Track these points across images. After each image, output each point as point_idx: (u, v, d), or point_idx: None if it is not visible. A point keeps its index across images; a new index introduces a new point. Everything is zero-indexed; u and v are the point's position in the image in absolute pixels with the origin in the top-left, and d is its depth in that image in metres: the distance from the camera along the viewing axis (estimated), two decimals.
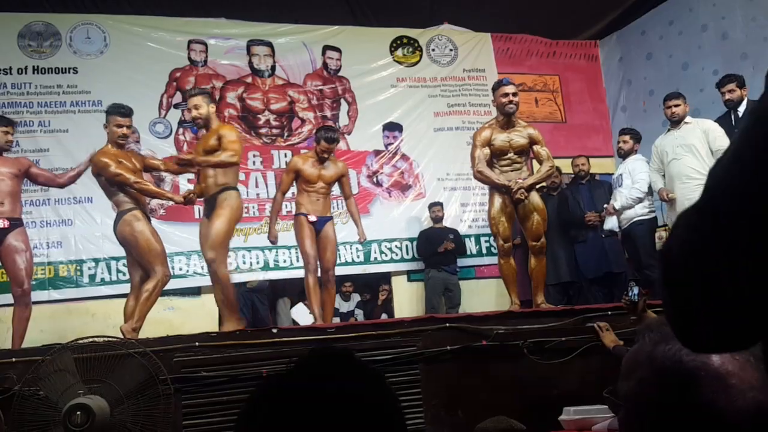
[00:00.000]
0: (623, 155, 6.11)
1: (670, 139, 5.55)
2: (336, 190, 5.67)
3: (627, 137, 6.12)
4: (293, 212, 5.64)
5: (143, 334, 4.35)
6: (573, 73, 8.86)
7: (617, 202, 5.89)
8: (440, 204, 7.32)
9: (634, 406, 0.90)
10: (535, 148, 5.21)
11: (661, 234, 7.48)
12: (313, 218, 5.25)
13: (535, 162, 5.69)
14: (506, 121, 5.15)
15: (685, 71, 7.72)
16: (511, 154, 5.16)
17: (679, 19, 7.89)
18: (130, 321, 4.46)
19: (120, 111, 4.79)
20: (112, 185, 4.68)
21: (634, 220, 5.85)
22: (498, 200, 5.19)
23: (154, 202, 6.42)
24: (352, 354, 0.84)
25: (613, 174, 6.50)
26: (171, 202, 5.82)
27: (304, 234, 5.23)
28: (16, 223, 4.77)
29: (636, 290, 3.70)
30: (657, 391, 0.87)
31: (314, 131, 5.90)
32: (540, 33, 8.69)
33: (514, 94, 5.10)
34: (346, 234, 6.65)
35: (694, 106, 6.62)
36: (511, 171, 5.18)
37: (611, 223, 6.01)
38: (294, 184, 5.39)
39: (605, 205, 5.97)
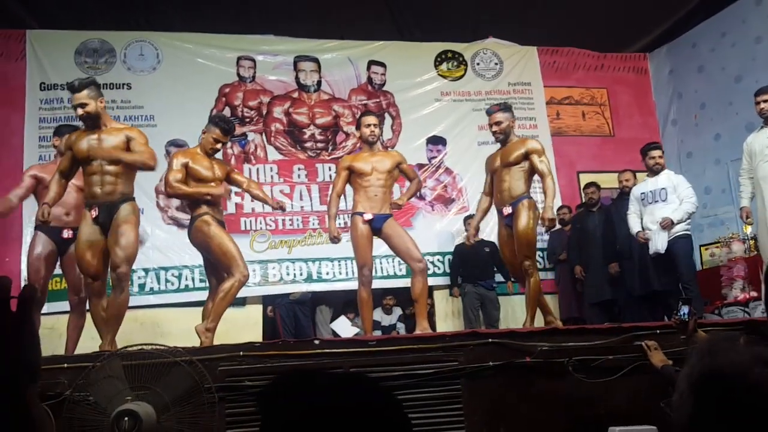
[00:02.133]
0: (658, 170, 5.83)
1: (762, 138, 5.21)
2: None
3: (660, 152, 5.89)
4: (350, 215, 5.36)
5: (190, 344, 4.42)
6: (621, 86, 8.73)
7: (673, 215, 5.59)
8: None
9: (675, 418, 0.90)
10: (533, 160, 4.98)
11: (713, 251, 7.27)
12: (368, 216, 4.94)
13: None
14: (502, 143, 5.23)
15: (737, 84, 7.51)
16: (500, 171, 5.08)
17: (732, 30, 7.70)
18: (205, 321, 4.49)
19: (225, 127, 4.73)
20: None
21: (678, 234, 5.60)
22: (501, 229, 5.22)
23: None
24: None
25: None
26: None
27: (357, 240, 4.96)
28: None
29: (686, 309, 3.59)
30: (691, 404, 0.86)
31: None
32: (588, 46, 8.59)
33: (497, 123, 5.12)
34: (386, 249, 6.66)
35: (747, 120, 6.43)
36: (500, 190, 5.07)
37: (659, 244, 5.67)
38: (350, 184, 5.18)
39: (660, 218, 5.65)
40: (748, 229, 6.62)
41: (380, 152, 5.24)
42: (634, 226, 5.88)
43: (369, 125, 5.09)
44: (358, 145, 7.77)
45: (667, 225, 5.60)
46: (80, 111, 4.30)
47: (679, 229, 5.63)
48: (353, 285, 7.07)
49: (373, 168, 5.05)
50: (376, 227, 4.99)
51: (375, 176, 5.03)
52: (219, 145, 4.74)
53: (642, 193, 5.89)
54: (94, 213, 4.33)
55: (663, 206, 5.69)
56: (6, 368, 0.71)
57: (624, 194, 6.57)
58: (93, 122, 4.36)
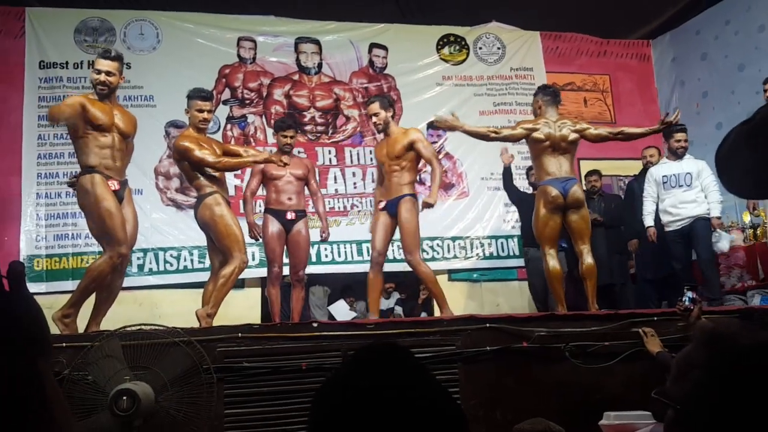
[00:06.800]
0: (682, 154, 5.76)
1: None
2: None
3: (685, 135, 5.81)
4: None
5: (188, 325, 4.43)
6: (624, 72, 8.68)
7: (714, 212, 5.58)
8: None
9: (688, 408, 0.88)
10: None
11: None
12: (381, 204, 5.06)
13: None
14: None
15: (740, 72, 7.48)
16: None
17: (736, 18, 7.65)
18: (206, 306, 4.48)
19: (201, 95, 4.70)
20: (194, 169, 4.61)
21: (699, 215, 5.60)
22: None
23: None
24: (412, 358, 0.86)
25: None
26: None
27: (373, 225, 5.20)
28: (300, 214, 5.37)
29: (690, 296, 3.60)
30: (716, 392, 0.84)
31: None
32: (591, 32, 8.53)
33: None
34: None
35: (749, 110, 6.40)
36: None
37: (721, 245, 5.71)
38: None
39: (687, 207, 5.63)
40: (747, 218, 6.62)
41: (397, 135, 5.07)
42: (648, 216, 5.83)
43: (371, 116, 5.14)
44: (358, 129, 7.76)
45: (718, 226, 5.67)
46: (104, 77, 4.29)
47: (701, 211, 5.61)
48: (352, 268, 7.13)
49: (386, 154, 5.05)
50: (392, 212, 5.02)
51: (387, 164, 5.04)
52: (205, 114, 4.66)
53: (664, 176, 5.79)
54: (116, 186, 4.36)
55: (687, 191, 5.63)
56: (11, 343, 0.71)
57: (647, 171, 6.52)
58: (107, 95, 4.36)
